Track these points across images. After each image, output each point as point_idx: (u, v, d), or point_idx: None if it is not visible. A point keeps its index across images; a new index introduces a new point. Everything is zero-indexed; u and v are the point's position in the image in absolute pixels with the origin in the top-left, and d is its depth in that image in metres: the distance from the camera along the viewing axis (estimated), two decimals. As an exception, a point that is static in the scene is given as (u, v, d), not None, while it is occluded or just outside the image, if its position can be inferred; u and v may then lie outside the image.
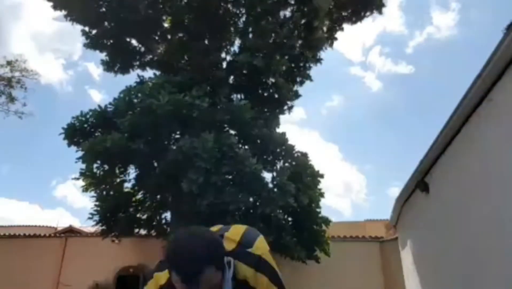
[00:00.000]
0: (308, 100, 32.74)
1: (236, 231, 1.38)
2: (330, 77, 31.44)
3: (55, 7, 10.06)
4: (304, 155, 9.52)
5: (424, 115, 29.54)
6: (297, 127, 32.14)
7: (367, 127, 33.87)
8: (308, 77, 10.71)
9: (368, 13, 11.49)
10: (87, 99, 32.14)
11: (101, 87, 33.88)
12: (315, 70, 10.71)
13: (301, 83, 10.77)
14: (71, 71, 33.92)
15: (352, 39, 36.12)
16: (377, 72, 33.02)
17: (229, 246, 1.29)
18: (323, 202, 9.37)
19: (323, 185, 9.25)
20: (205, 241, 1.18)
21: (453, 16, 29.00)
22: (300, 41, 9.99)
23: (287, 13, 10.15)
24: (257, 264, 1.28)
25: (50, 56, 31.49)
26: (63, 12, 10.08)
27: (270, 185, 8.42)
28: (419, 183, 5.84)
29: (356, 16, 11.51)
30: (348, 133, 35.59)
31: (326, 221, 9.24)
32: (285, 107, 10.61)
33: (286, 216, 8.55)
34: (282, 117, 10.75)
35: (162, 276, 1.31)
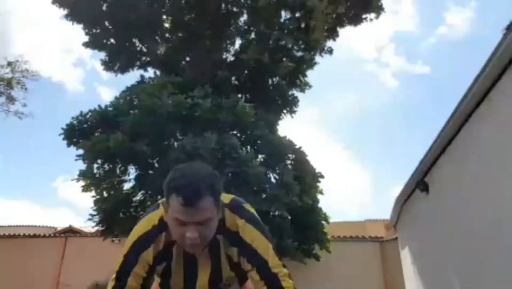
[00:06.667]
0: (318, 99, 32.44)
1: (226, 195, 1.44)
2: (342, 76, 30.93)
3: (55, 6, 10.08)
4: (305, 156, 9.60)
5: (435, 116, 29.25)
6: (303, 126, 31.92)
7: (375, 125, 33.46)
8: (307, 84, 10.79)
9: (367, 16, 11.56)
10: (96, 97, 31.89)
11: (111, 85, 33.62)
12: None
13: (302, 89, 10.81)
14: (79, 69, 33.65)
15: (366, 37, 35.53)
16: (391, 71, 32.63)
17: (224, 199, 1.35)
18: (326, 201, 9.60)
19: (326, 184, 9.49)
20: (208, 171, 1.24)
21: (470, 15, 28.51)
22: (300, 44, 10.01)
23: (287, 15, 10.16)
24: (247, 217, 1.36)
25: (59, 55, 31.35)
26: (64, 12, 10.11)
27: (275, 185, 8.50)
28: (419, 183, 5.85)
29: (354, 22, 11.57)
30: (354, 132, 35.30)
31: (326, 219, 9.38)
32: (287, 109, 10.63)
33: (288, 216, 8.63)
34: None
35: (155, 216, 1.36)
